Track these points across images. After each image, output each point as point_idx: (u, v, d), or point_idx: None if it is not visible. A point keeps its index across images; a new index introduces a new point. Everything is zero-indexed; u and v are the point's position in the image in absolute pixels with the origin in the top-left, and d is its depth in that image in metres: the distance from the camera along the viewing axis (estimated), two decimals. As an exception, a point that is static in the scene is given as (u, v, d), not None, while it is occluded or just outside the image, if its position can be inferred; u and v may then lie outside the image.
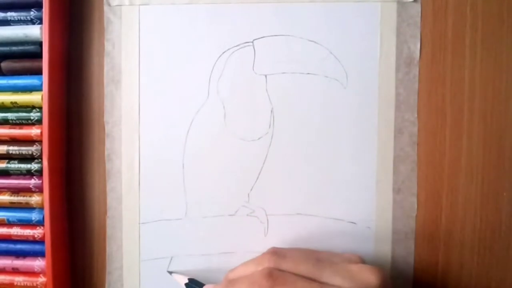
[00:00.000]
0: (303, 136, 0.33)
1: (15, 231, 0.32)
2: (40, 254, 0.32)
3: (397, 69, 0.32)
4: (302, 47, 0.32)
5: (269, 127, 0.33)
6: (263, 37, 0.33)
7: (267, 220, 0.33)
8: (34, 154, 0.31)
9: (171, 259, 0.33)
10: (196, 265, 0.33)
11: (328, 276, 0.26)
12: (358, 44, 0.32)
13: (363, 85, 0.32)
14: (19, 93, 0.32)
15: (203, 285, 0.31)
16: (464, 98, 0.32)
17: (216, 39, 0.33)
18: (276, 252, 0.28)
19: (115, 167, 0.33)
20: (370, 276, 0.26)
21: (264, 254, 0.28)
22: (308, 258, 0.27)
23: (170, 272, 0.32)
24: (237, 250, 0.33)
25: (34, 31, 0.31)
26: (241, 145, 0.33)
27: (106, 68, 0.33)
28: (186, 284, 0.31)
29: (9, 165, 0.32)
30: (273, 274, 0.26)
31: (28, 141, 0.32)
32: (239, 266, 0.29)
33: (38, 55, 0.31)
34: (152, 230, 0.33)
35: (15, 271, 0.32)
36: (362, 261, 0.28)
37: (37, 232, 0.31)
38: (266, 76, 0.33)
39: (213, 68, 0.33)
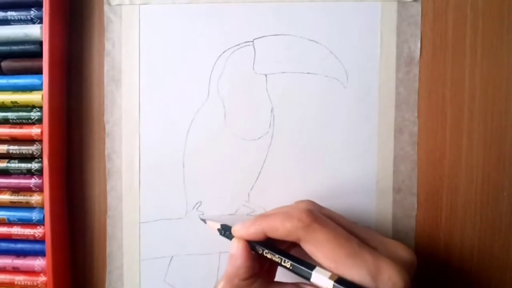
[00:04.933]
0: (303, 135, 0.32)
1: (16, 230, 0.32)
2: (41, 253, 0.32)
3: (398, 69, 0.32)
4: (302, 47, 0.32)
5: (269, 126, 0.33)
6: (263, 36, 0.32)
7: (267, 219, 0.33)
8: (35, 153, 0.31)
9: (171, 258, 0.33)
10: (196, 265, 0.33)
11: (363, 239, 0.25)
12: (358, 43, 0.32)
13: (363, 85, 0.32)
14: (19, 92, 0.32)
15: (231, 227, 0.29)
16: (465, 97, 0.32)
17: (216, 38, 0.33)
18: (314, 202, 0.28)
19: (115, 166, 0.33)
20: (405, 253, 0.25)
21: (299, 201, 0.28)
22: (344, 219, 0.27)
23: (204, 220, 0.32)
24: (237, 249, 0.33)
25: (34, 31, 0.31)
26: (241, 144, 0.33)
27: (106, 68, 0.33)
28: (218, 230, 0.30)
29: (9, 165, 0.32)
30: (313, 212, 0.25)
31: (29, 140, 0.32)
32: (270, 210, 0.28)
33: (38, 55, 0.31)
34: (152, 229, 0.33)
35: (16, 270, 0.32)
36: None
37: (37, 231, 0.32)
38: (266, 75, 0.33)
39: (213, 68, 0.33)
